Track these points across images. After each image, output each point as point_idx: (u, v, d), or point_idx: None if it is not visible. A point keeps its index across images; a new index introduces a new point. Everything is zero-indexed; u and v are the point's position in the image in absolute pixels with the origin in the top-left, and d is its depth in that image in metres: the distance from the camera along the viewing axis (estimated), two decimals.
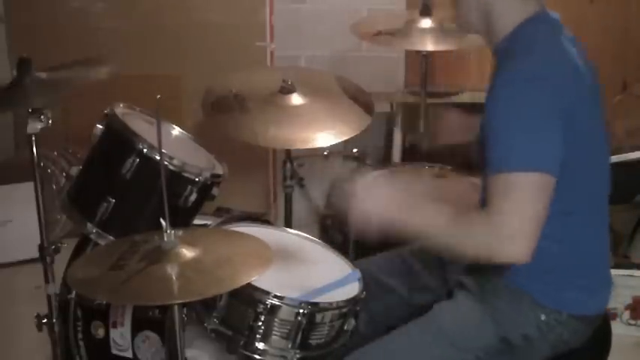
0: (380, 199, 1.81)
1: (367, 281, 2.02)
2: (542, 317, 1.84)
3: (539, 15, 1.84)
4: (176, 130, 2.41)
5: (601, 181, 1.89)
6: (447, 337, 1.86)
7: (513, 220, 1.65)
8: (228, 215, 2.27)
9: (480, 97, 3.37)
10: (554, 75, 1.74)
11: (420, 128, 2.92)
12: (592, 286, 1.90)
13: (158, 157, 1.76)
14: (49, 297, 2.16)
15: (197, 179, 2.13)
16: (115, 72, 2.12)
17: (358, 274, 2.03)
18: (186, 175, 2.12)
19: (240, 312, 1.85)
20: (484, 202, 1.76)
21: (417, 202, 1.82)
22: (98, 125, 2.16)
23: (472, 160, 2.15)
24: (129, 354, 2.14)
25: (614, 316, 2.81)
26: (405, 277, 2.11)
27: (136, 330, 2.13)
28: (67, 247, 2.25)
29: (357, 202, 1.81)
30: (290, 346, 1.86)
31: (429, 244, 1.82)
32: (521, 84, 1.72)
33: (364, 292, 1.96)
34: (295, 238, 2.22)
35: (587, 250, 1.88)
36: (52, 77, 2.09)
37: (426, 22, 2.75)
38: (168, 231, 1.67)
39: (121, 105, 2.25)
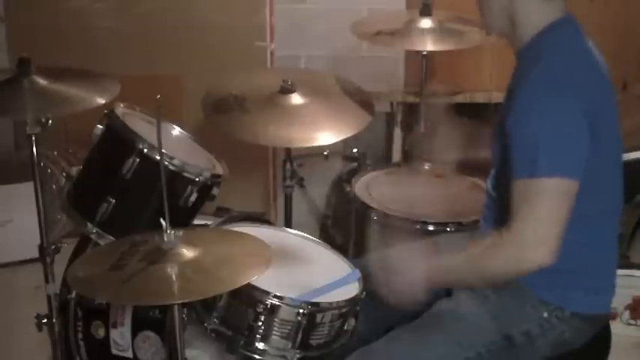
0: (413, 270, 1.86)
1: (368, 279, 2.02)
2: (545, 314, 1.85)
3: (564, 19, 1.84)
4: (176, 130, 2.41)
5: (616, 183, 1.90)
6: (451, 334, 1.87)
7: (538, 226, 1.69)
8: (228, 215, 2.27)
9: (479, 97, 3.41)
10: (579, 79, 1.76)
11: (420, 128, 2.92)
12: (598, 286, 1.91)
13: (158, 157, 1.76)
14: (49, 297, 2.16)
15: (197, 179, 2.13)
16: (115, 95, 2.13)
17: (358, 274, 2.03)
18: (186, 175, 2.12)
19: (240, 312, 1.85)
20: (498, 199, 1.78)
21: (438, 257, 1.89)
22: (98, 125, 2.16)
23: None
24: (129, 354, 2.14)
25: (614, 316, 2.81)
26: None
27: (136, 330, 2.12)
28: (67, 247, 2.26)
29: (397, 279, 1.86)
30: (290, 346, 1.86)
31: (465, 284, 1.88)
32: (546, 88, 1.73)
33: (364, 292, 1.96)
34: (295, 238, 2.22)
35: (598, 252, 1.88)
36: (51, 87, 2.09)
37: (426, 22, 2.75)
38: (168, 231, 1.67)
39: (121, 105, 2.25)
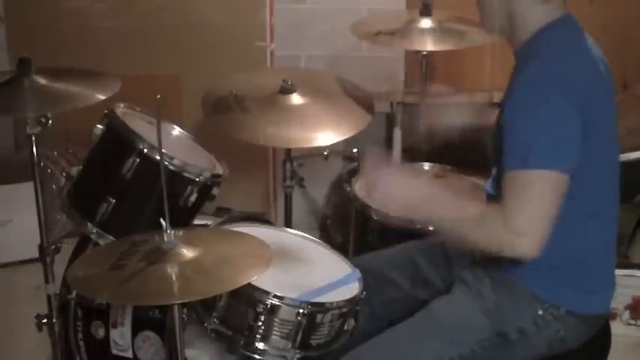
0: (405, 187, 1.89)
1: (370, 275, 2.03)
2: (540, 312, 1.85)
3: (563, 18, 1.85)
4: (176, 130, 2.41)
5: (613, 182, 1.90)
6: (445, 331, 1.88)
7: (525, 217, 1.70)
8: (228, 215, 2.27)
9: (479, 97, 3.40)
10: (576, 77, 1.77)
11: (419, 128, 2.92)
12: (595, 286, 1.91)
13: (158, 157, 1.76)
14: (49, 297, 2.16)
15: (197, 179, 2.13)
16: (116, 90, 2.13)
17: (358, 273, 2.03)
18: (186, 175, 2.12)
19: (240, 312, 1.85)
20: (497, 198, 1.80)
21: (438, 193, 1.91)
22: (98, 125, 2.16)
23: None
24: (129, 354, 2.14)
25: (614, 316, 2.81)
26: (409, 272, 2.12)
27: (136, 330, 2.12)
28: (67, 247, 2.26)
29: (382, 184, 1.91)
30: (290, 346, 1.86)
31: (444, 233, 1.91)
32: (541, 84, 1.74)
33: (364, 292, 1.96)
34: (295, 238, 2.22)
35: (593, 252, 1.89)
36: (52, 86, 2.09)
37: (426, 22, 2.75)
38: (168, 231, 1.67)
39: (121, 105, 2.25)
